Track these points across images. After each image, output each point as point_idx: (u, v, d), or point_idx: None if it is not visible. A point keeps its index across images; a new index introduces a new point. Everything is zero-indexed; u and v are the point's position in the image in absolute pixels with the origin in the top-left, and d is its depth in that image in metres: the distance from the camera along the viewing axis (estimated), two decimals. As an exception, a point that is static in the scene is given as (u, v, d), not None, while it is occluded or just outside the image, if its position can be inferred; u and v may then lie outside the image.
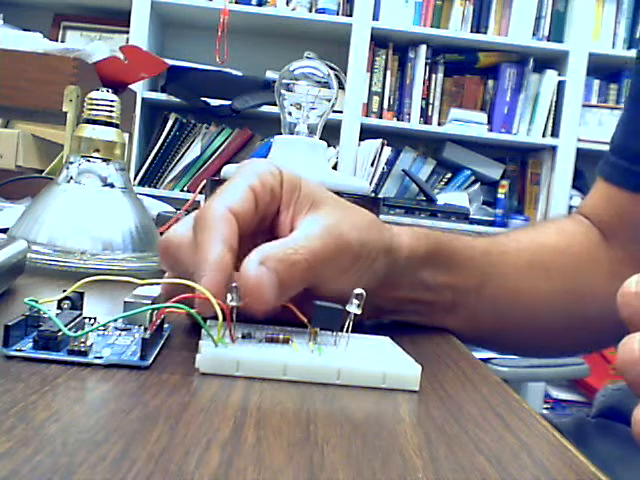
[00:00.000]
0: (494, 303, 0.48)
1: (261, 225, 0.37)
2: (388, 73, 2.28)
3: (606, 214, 0.56)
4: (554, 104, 2.27)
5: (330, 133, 1.54)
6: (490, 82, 2.34)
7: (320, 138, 0.84)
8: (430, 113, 2.29)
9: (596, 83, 2.36)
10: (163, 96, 2.19)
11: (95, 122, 0.53)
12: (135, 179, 2.23)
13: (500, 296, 0.48)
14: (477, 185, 2.37)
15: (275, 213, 0.37)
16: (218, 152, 2.27)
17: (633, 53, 0.56)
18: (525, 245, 0.52)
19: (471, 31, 2.25)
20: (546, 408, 2.21)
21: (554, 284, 0.51)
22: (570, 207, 2.23)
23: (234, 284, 0.31)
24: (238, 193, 0.34)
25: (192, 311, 0.30)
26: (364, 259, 0.38)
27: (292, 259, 0.33)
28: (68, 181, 0.52)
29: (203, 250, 0.32)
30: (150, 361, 0.29)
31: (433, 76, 2.30)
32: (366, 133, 2.21)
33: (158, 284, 0.35)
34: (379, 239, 0.40)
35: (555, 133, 2.27)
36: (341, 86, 1.33)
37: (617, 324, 0.53)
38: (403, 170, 2.30)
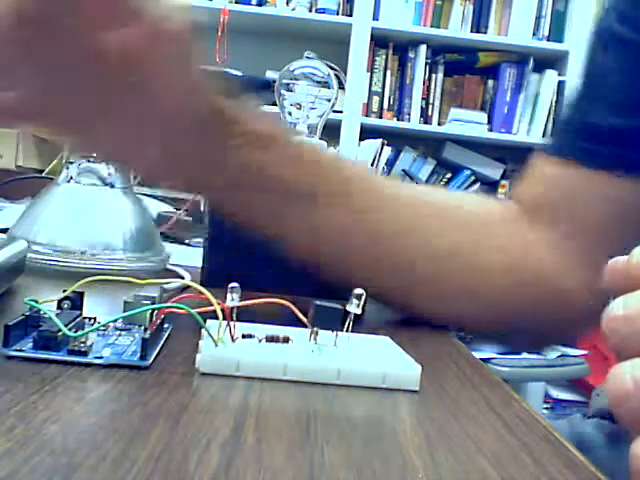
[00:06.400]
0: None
1: None
2: (388, 73, 2.28)
3: (544, 196, 0.52)
4: (554, 104, 2.27)
5: (330, 133, 1.53)
6: (490, 82, 2.33)
7: (320, 138, 0.84)
8: (430, 113, 2.29)
9: (596, 83, 2.36)
10: (163, 96, 2.19)
11: (95, 122, 0.52)
12: (135, 179, 2.22)
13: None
14: (477, 185, 2.36)
15: None
16: (218, 152, 2.27)
17: None
18: (437, 197, 0.51)
19: (471, 31, 2.25)
20: (546, 408, 2.20)
21: (451, 234, 0.48)
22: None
23: (234, 284, 0.31)
24: None
25: (192, 311, 0.30)
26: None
27: None
28: (68, 181, 0.52)
29: None
30: (150, 361, 0.29)
31: (433, 76, 2.30)
32: (366, 133, 2.20)
33: (158, 284, 0.35)
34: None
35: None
36: (341, 86, 1.33)
37: (507, 304, 0.51)
38: (403, 170, 2.30)
